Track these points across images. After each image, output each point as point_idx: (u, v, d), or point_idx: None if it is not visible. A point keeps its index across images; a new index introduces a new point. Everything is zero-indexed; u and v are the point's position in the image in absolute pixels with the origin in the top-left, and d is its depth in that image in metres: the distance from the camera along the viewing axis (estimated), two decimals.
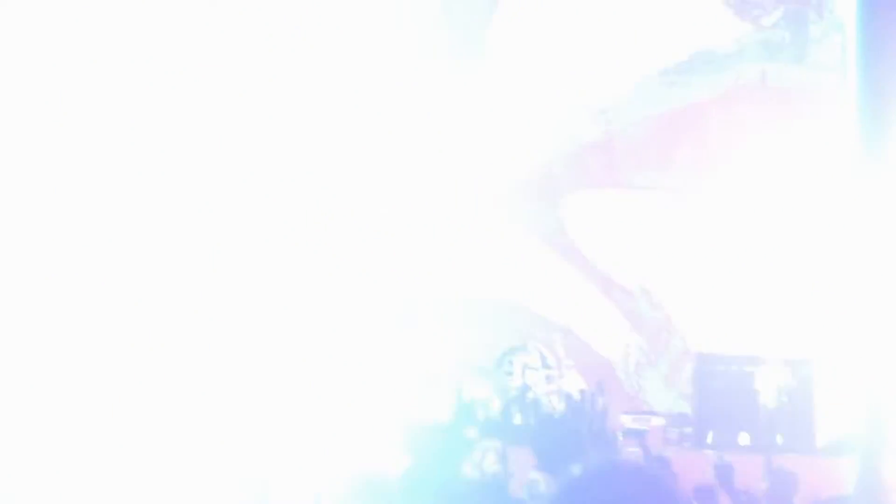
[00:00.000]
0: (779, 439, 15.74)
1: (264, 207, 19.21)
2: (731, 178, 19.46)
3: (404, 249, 20.19)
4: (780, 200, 19.29)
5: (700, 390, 16.77)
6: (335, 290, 19.47)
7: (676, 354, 19.55)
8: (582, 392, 17.55)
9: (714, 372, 16.77)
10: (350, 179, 20.00)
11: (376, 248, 20.14)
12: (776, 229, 19.23)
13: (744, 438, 15.89)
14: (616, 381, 18.74)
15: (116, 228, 18.49)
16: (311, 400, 17.62)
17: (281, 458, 14.75)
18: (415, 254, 20.21)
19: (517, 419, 16.95)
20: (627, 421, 16.18)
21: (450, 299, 19.99)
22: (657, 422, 16.60)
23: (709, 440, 15.99)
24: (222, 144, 19.14)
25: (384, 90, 20.41)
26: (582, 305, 19.82)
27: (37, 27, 18.66)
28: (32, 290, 17.66)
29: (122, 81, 18.82)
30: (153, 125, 18.77)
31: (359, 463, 12.50)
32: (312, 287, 19.15)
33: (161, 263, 18.49)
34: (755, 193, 19.34)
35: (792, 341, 18.42)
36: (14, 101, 18.21)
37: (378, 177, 20.11)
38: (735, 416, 16.13)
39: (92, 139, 18.60)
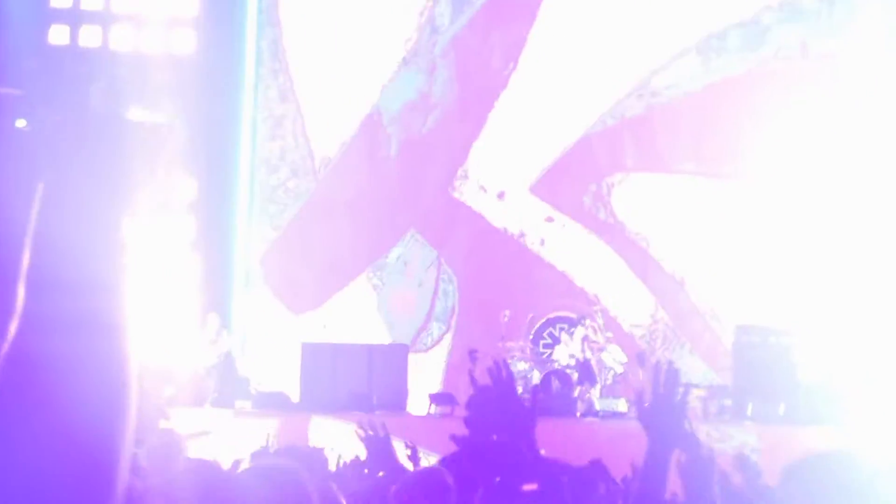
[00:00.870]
0: (817, 411, 15.75)
1: None
2: (768, 157, 19.49)
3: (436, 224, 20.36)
4: (820, 180, 19.29)
5: (739, 362, 16.75)
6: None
7: (700, 331, 19.65)
8: (624, 364, 17.63)
9: (753, 343, 16.76)
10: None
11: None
12: (812, 210, 19.24)
13: (783, 409, 15.88)
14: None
15: None
16: None
17: None
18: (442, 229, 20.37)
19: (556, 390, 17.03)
20: None
21: (482, 275, 20.17)
22: (697, 393, 16.64)
23: (748, 412, 15.99)
24: None
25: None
26: (614, 282, 19.92)
27: None
28: None
29: None
30: None
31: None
32: None
33: None
34: (792, 174, 19.36)
35: (830, 317, 18.50)
36: None
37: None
38: (774, 387, 16.13)
39: None
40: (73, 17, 19.56)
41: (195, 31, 19.81)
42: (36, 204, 1.74)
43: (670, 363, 4.17)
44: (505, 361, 4.29)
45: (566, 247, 20.12)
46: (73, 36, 19.41)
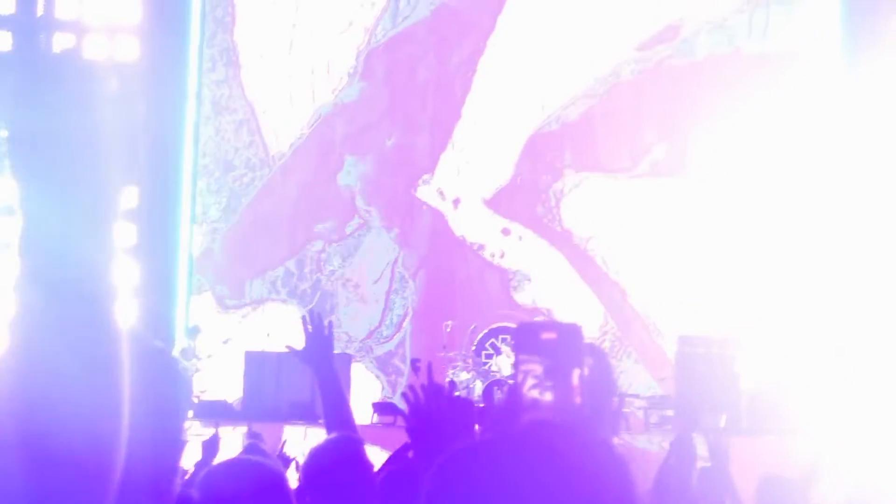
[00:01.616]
0: (758, 421, 15.81)
1: None
2: (710, 158, 19.62)
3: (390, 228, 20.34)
4: (762, 184, 19.42)
5: (681, 373, 16.75)
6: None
7: (647, 341, 19.71)
8: None
9: (695, 353, 16.77)
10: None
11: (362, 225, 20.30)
12: (758, 212, 19.37)
13: (724, 421, 15.91)
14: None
15: None
16: None
17: None
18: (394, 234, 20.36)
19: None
20: None
21: (433, 283, 20.17)
22: (639, 404, 16.67)
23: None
24: None
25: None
26: (560, 289, 19.97)
27: None
28: None
29: None
30: None
31: None
32: None
33: None
34: (735, 176, 19.48)
35: (771, 326, 18.60)
36: None
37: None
38: (716, 398, 16.15)
39: None
40: (16, 24, 19.44)
41: (138, 38, 19.72)
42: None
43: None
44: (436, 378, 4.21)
45: (521, 257, 20.16)
46: (17, 42, 19.27)
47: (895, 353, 16.53)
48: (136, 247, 19.26)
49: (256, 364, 17.33)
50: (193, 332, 18.75)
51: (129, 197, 18.83)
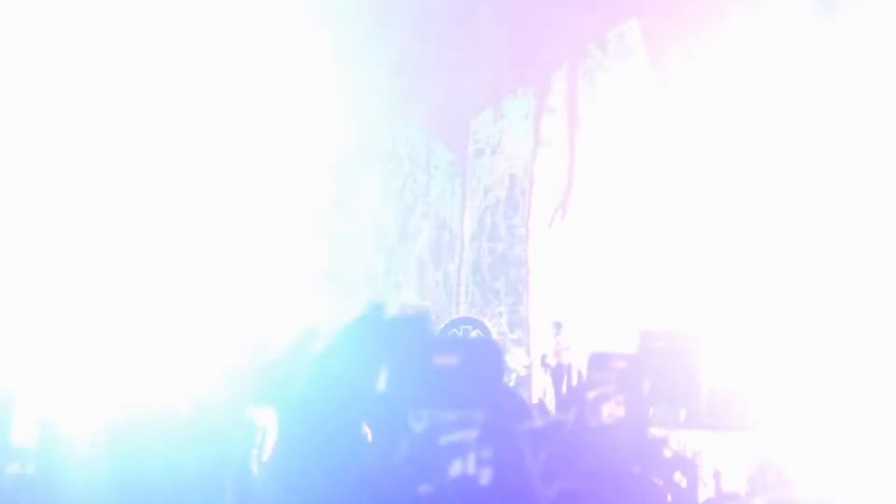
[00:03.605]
0: (717, 416, 15.82)
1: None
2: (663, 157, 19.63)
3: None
4: (725, 182, 19.43)
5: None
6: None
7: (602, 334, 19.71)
8: (526, 367, 17.63)
9: (656, 348, 16.72)
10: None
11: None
12: (723, 207, 19.39)
13: (683, 415, 15.91)
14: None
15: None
16: None
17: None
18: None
19: None
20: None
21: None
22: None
23: (649, 415, 15.97)
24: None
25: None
26: (523, 280, 19.94)
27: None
28: None
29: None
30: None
31: None
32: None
33: None
34: (692, 173, 19.49)
35: (727, 320, 18.62)
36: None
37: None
38: (675, 392, 16.11)
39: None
40: None
41: None
42: None
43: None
44: None
45: None
46: None
47: (857, 348, 16.57)
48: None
49: None
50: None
51: None
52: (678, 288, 19.21)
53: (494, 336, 17.82)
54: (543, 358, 17.63)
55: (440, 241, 20.27)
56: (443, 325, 18.95)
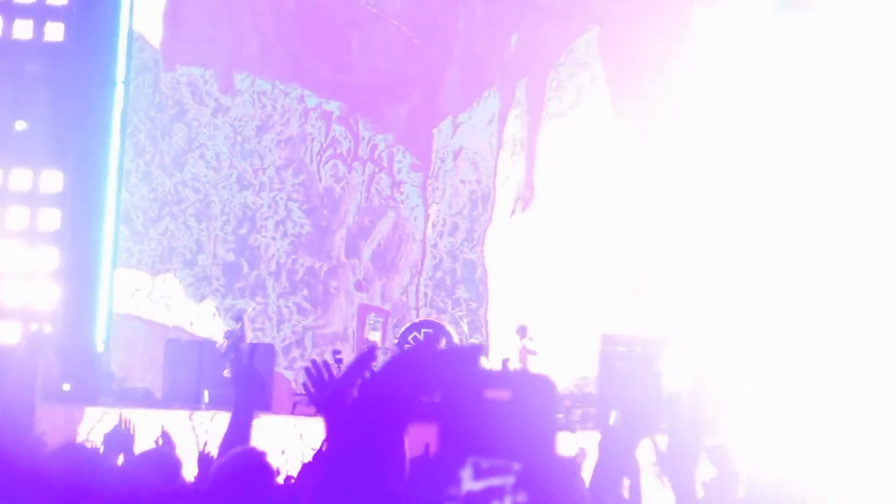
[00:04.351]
0: (679, 419, 15.83)
1: None
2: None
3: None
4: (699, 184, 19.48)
5: (604, 371, 16.76)
6: None
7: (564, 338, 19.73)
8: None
9: (617, 353, 16.78)
10: None
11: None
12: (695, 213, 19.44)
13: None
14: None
15: None
16: None
17: None
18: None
19: None
20: None
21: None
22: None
23: (611, 421, 16.01)
24: None
25: None
26: (484, 284, 19.98)
27: None
28: None
29: None
30: None
31: None
32: None
33: None
34: (672, 177, 19.54)
35: (692, 327, 18.67)
36: None
37: None
38: (639, 397, 16.14)
39: None
40: None
41: (64, 20, 19.47)
42: None
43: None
44: (325, 362, 4.24)
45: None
46: None
47: (824, 350, 16.59)
48: (59, 231, 19.03)
49: (177, 352, 17.22)
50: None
51: (54, 181, 18.65)
52: (642, 292, 19.25)
53: (456, 339, 17.85)
54: (505, 362, 17.61)
55: (401, 242, 20.28)
56: (402, 329, 18.99)
